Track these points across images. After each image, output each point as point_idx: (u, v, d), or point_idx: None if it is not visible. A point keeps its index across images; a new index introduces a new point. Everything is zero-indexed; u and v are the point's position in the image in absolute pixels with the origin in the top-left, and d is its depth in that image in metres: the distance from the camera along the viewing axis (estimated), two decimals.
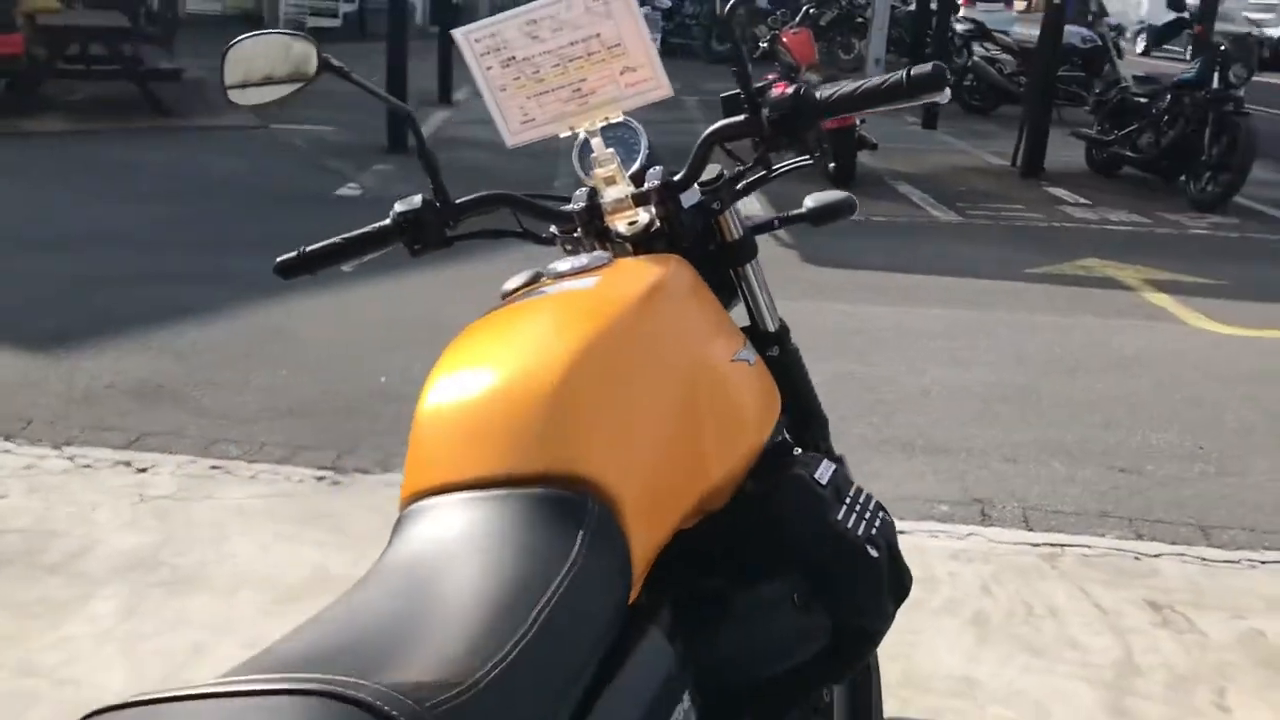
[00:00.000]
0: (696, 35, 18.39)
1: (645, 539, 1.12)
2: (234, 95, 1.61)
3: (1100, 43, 12.15)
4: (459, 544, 1.02)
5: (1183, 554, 3.10)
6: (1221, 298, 5.89)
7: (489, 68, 1.55)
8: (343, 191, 7.68)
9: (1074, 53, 12.21)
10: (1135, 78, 9.83)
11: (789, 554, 1.29)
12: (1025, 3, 21.00)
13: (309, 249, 1.59)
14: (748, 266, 1.63)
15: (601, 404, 1.14)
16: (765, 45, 9.39)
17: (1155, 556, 3.07)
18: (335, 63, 1.56)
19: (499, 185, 1.64)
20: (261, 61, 1.58)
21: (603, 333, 1.19)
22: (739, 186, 1.56)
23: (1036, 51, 10.35)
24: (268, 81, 1.58)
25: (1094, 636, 2.66)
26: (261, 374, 4.24)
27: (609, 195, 1.51)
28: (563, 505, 1.04)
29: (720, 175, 1.57)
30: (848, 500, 1.34)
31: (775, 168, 1.57)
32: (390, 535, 1.09)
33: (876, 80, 1.44)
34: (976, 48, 13.59)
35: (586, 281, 1.35)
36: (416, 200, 1.56)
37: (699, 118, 10.34)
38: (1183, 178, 8.59)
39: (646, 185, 1.52)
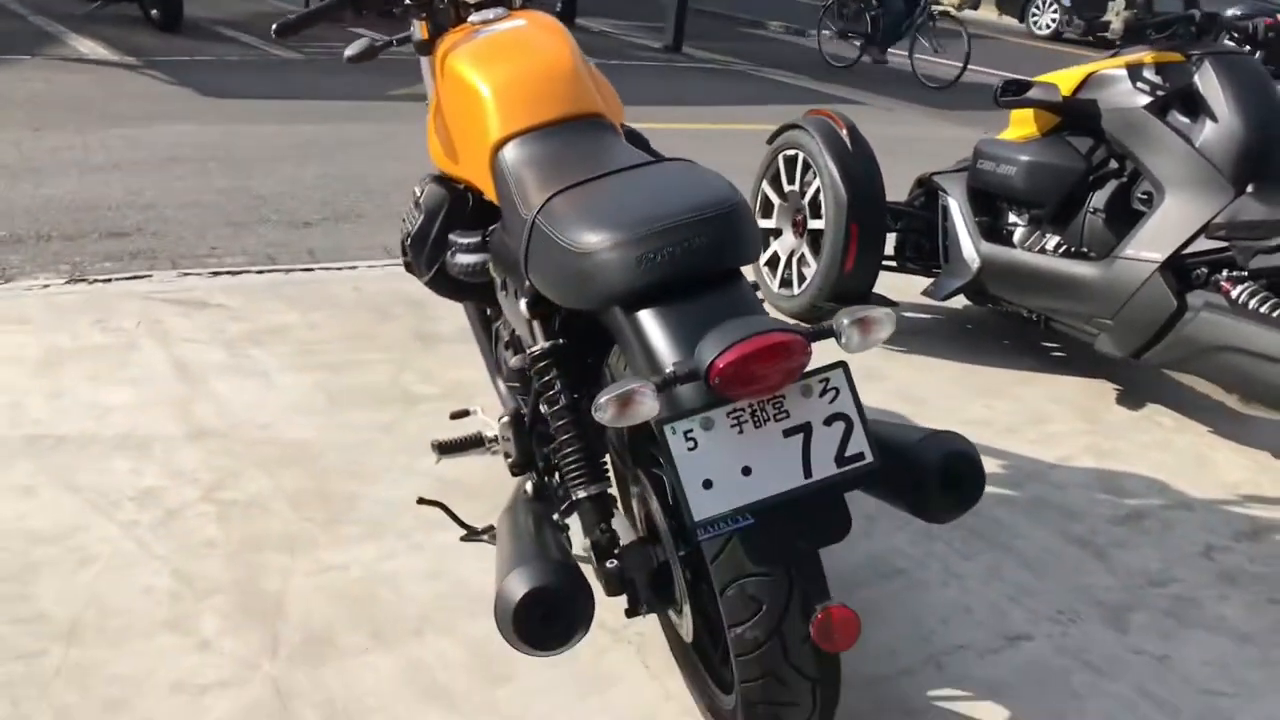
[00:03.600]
0: None
1: None
2: None
3: None
4: (583, 149, 1.97)
5: None
6: None
7: None
8: None
9: None
10: None
11: None
12: None
13: (298, 15, 2.29)
14: None
15: (593, 77, 2.18)
16: None
17: None
18: None
19: None
20: None
21: (569, 42, 2.20)
22: None
23: None
24: None
25: None
26: None
27: None
28: (608, 126, 2.08)
29: None
30: None
31: None
32: (499, 171, 2.00)
33: None
34: None
35: (518, 21, 2.30)
36: None
37: None
38: None
39: None
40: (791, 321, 1.50)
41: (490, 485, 2.64)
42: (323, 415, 2.93)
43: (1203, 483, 3.05)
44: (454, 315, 3.58)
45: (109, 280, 3.72)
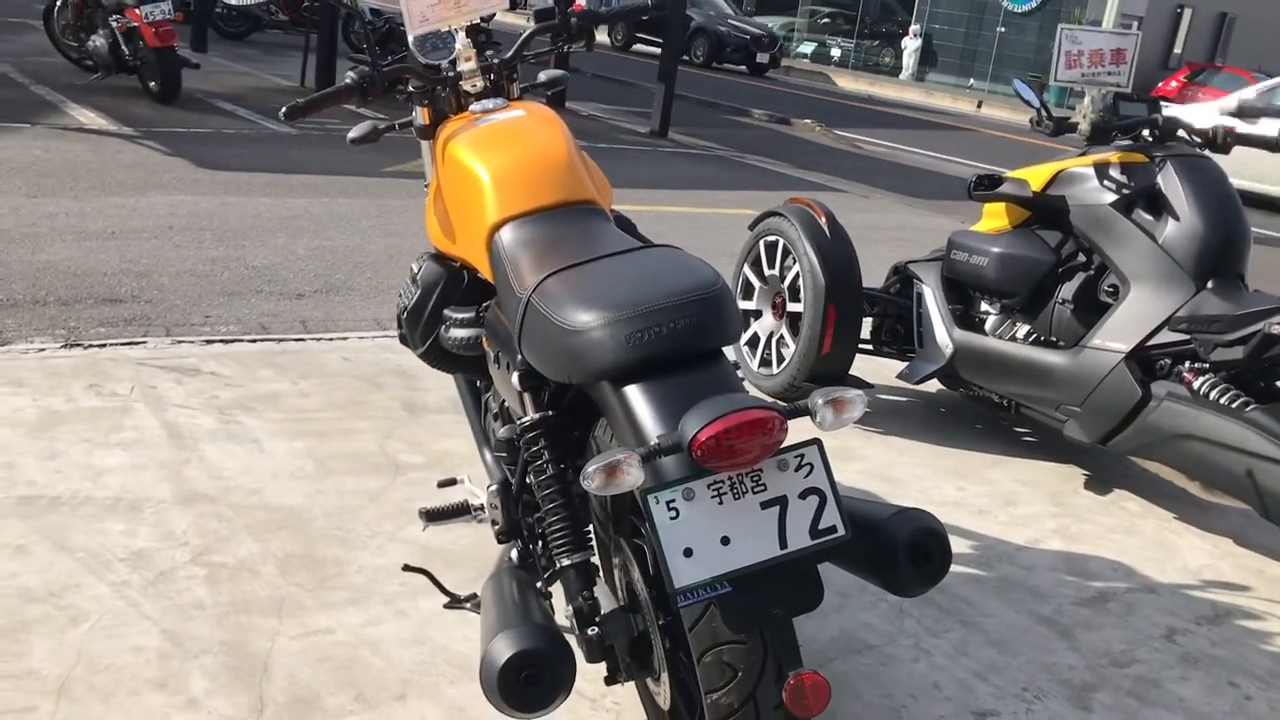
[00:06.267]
0: None
1: None
2: None
3: None
4: (576, 234, 2.08)
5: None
6: None
7: None
8: None
9: None
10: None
11: None
12: None
13: (306, 99, 2.40)
14: None
15: (586, 165, 2.29)
16: None
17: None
18: None
19: None
20: None
21: (565, 133, 2.32)
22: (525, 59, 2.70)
23: None
24: None
25: None
26: None
27: (466, 67, 2.56)
28: (599, 212, 2.19)
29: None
30: None
31: (538, 53, 2.73)
32: (495, 252, 2.10)
33: (630, 4, 2.69)
34: None
35: (517, 112, 2.43)
36: (365, 69, 2.46)
37: None
38: None
39: (490, 62, 2.59)
40: (769, 399, 1.60)
41: (473, 554, 2.71)
42: (311, 481, 3.00)
43: (1166, 567, 3.14)
44: (441, 386, 3.67)
45: (104, 345, 3.79)
